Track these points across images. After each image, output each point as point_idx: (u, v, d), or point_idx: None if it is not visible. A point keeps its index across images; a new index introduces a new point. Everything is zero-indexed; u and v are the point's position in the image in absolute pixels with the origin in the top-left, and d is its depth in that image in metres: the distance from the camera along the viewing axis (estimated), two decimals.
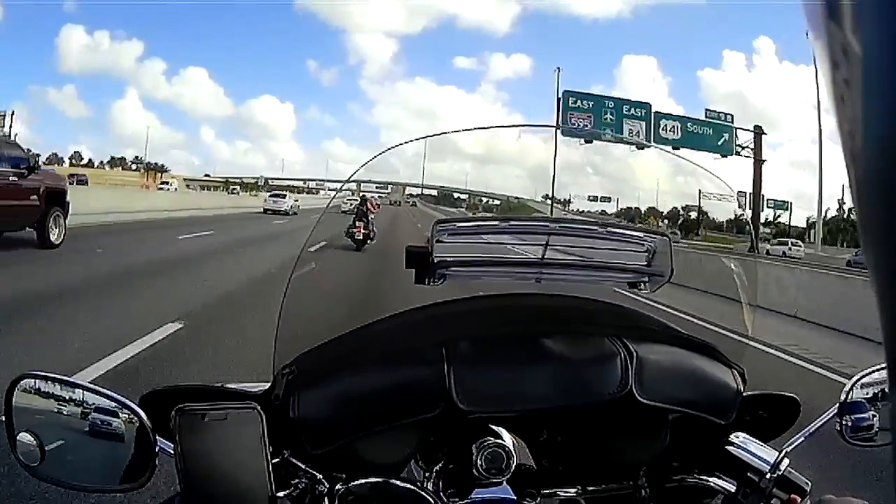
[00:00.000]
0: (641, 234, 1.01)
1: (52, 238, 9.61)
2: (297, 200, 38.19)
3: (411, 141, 1.16)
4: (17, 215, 8.86)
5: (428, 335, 0.83)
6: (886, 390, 0.83)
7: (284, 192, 41.04)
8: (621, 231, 1.02)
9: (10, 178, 8.60)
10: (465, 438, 0.82)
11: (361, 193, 15.81)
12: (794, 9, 0.20)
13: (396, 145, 1.25)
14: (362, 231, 10.03)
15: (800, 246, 41.96)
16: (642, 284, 1.01)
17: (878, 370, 0.87)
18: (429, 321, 0.88)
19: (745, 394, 0.90)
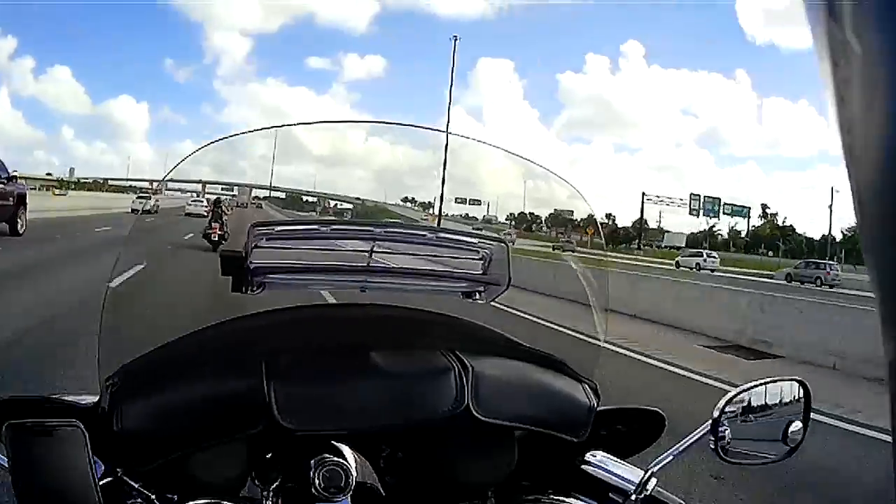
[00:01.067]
0: (477, 241, 0.97)
1: (19, 229, 13.84)
2: (157, 201, 39.69)
3: (250, 132, 1.10)
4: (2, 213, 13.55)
5: (249, 347, 0.79)
6: (761, 404, 0.86)
7: (149, 194, 44.78)
8: (455, 237, 0.98)
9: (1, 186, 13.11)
10: (301, 455, 0.78)
11: (216, 196, 16.31)
12: (661, 8, 0.20)
13: (222, 138, 1.15)
14: (218, 232, 10.27)
15: (714, 257, 40.41)
16: (478, 294, 0.98)
17: (749, 388, 0.87)
18: (252, 332, 0.84)
19: (600, 408, 0.86)
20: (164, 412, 0.74)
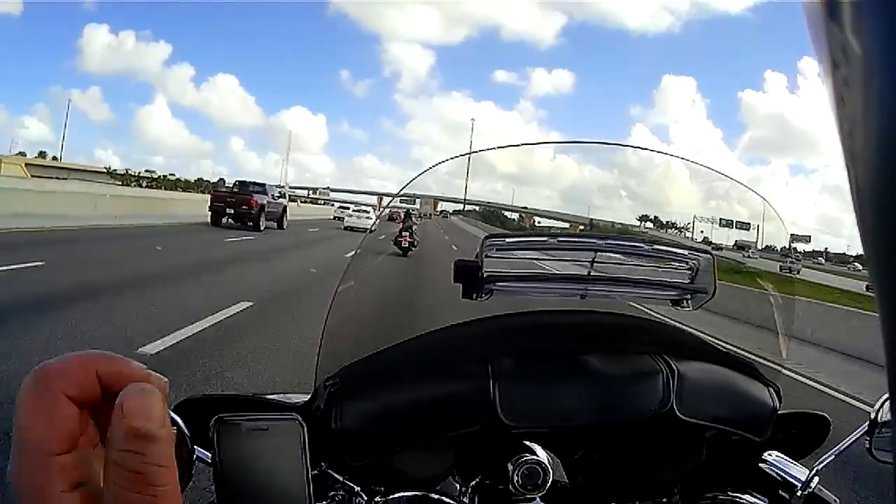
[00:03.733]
0: (685, 252, 1.01)
1: (284, 226, 25.63)
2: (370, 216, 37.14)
3: (454, 158, 1.16)
4: (272, 217, 24.10)
5: (473, 351, 0.84)
6: None
7: (368, 208, 42.05)
8: (666, 248, 1.03)
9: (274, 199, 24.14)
10: (501, 454, 0.83)
11: (407, 208, 17.89)
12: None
13: (440, 162, 1.25)
14: (408, 240, 12.05)
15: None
16: (685, 301, 1.00)
17: None
18: (473, 337, 0.88)
19: (780, 410, 0.89)
20: (387, 411, 0.79)
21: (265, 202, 22.84)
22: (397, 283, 7.78)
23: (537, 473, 0.80)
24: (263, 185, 24.87)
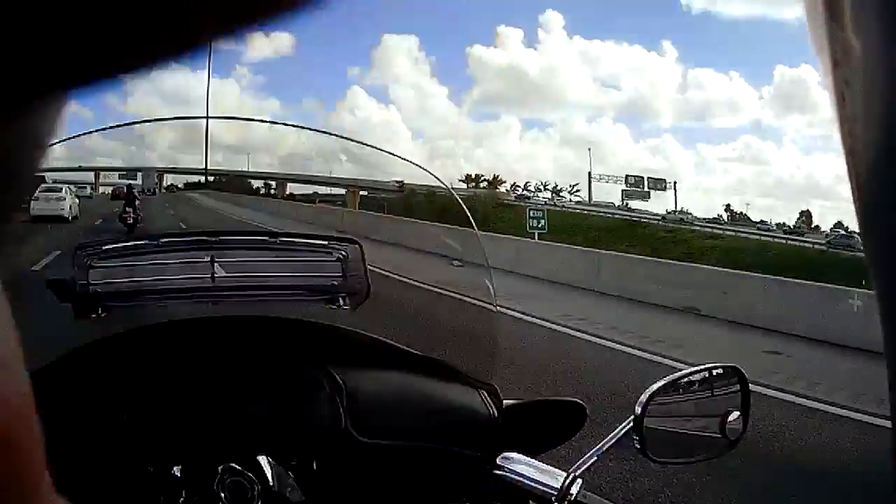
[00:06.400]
0: (327, 243, 0.92)
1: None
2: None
3: (147, 122, 1.05)
4: None
5: (106, 386, 0.71)
6: (684, 400, 0.79)
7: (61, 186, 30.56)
8: (301, 241, 0.93)
9: None
10: (206, 468, 0.72)
11: (128, 183, 16.32)
12: None
13: (124, 124, 1.07)
14: (132, 215, 11.66)
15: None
16: (342, 300, 0.91)
17: (676, 378, 0.79)
18: (104, 367, 0.74)
19: (510, 403, 0.80)
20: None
21: None
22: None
23: (245, 488, 0.70)
24: None
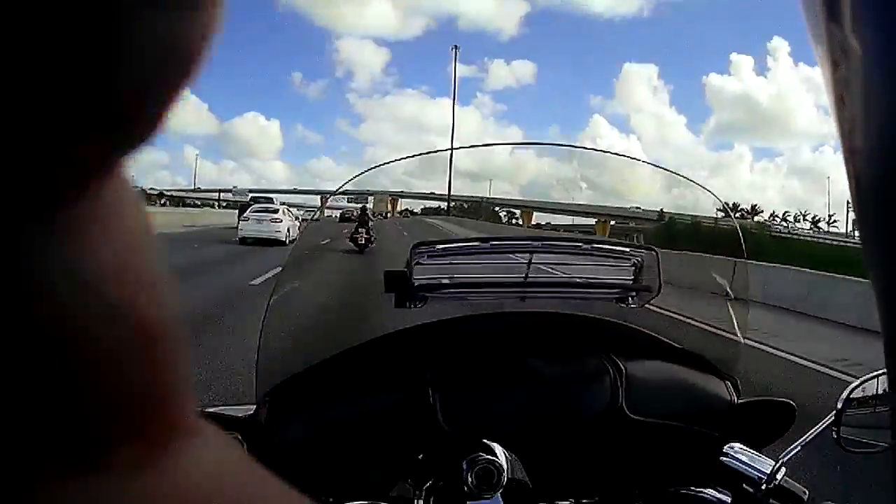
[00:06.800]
0: (627, 250, 1.01)
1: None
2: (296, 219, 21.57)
3: (402, 159, 1.17)
4: None
5: (412, 359, 0.83)
6: (882, 393, 0.83)
7: (278, 207, 20.79)
8: (606, 247, 1.03)
9: None
10: (455, 454, 0.81)
11: (363, 205, 16.45)
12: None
13: (382, 163, 1.27)
14: (364, 236, 11.75)
15: None
16: (630, 299, 1.00)
17: (875, 376, 0.85)
18: (413, 344, 0.88)
19: (738, 401, 0.90)
20: (328, 425, 0.78)
21: None
22: (345, 277, 7.70)
23: (492, 473, 0.78)
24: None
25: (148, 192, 72.18)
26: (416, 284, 0.89)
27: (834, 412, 0.83)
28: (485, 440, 0.82)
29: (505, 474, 0.78)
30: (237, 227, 18.08)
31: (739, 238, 1.16)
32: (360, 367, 0.83)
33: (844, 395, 0.84)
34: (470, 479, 0.77)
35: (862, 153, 0.19)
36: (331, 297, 5.85)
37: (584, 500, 0.88)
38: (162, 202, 66.60)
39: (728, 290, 1.06)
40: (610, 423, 0.82)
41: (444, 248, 0.96)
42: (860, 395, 0.85)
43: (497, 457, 0.79)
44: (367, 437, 0.77)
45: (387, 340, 0.87)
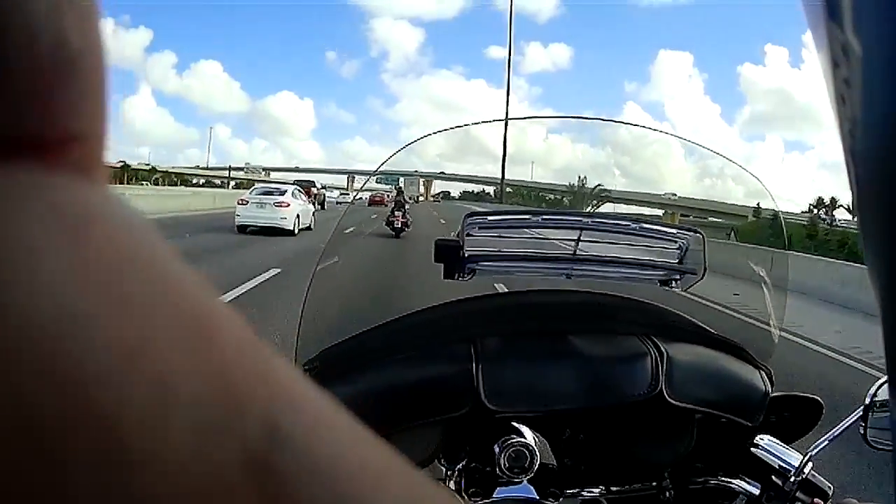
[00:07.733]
0: (674, 231, 1.00)
1: None
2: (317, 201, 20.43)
3: (431, 134, 1.16)
4: None
5: (456, 332, 0.82)
6: None
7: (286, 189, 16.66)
8: (654, 228, 1.02)
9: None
10: (488, 436, 0.82)
11: (399, 187, 14.83)
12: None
13: (415, 140, 1.24)
14: (400, 220, 11.02)
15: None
16: (674, 282, 1.00)
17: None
18: (457, 318, 0.87)
19: (773, 394, 0.89)
20: (368, 396, 0.77)
21: None
22: (380, 263, 7.58)
23: (524, 456, 0.78)
24: None
25: (135, 168, 65.09)
26: (466, 255, 0.89)
27: (861, 407, 0.82)
28: (515, 424, 0.82)
29: (537, 458, 0.79)
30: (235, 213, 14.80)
31: (782, 228, 1.13)
32: (403, 339, 0.82)
33: (872, 389, 0.82)
34: (502, 462, 0.78)
35: (862, 153, 0.19)
36: (374, 271, 5.85)
37: (614, 487, 0.88)
38: (155, 179, 58.94)
39: (766, 280, 1.03)
40: (649, 406, 0.81)
41: (495, 220, 0.96)
42: (890, 389, 0.82)
43: (528, 440, 0.80)
44: (408, 411, 0.77)
45: (430, 312, 0.86)
